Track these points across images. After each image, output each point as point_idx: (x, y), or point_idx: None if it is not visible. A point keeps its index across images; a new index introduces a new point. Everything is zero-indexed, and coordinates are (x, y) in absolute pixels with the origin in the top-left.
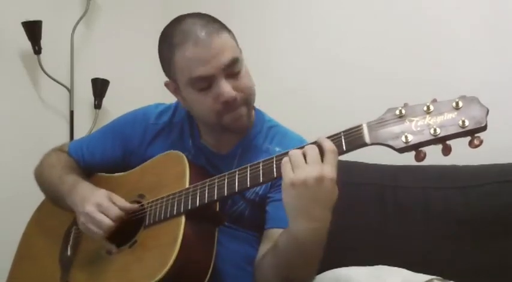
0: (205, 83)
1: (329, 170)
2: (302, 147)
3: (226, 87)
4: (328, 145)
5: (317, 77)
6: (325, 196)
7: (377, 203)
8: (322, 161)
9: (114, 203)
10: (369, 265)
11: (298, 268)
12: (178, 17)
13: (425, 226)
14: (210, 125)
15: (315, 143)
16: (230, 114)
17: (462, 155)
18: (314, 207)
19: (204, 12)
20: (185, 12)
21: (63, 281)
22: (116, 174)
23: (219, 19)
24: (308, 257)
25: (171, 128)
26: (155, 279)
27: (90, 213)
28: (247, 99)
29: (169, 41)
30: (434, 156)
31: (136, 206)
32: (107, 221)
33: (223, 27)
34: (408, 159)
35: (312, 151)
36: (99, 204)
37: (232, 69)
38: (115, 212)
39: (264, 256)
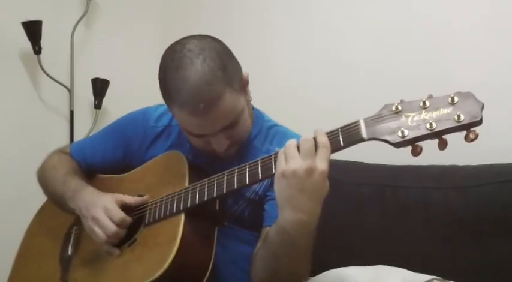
0: (199, 136)
1: (320, 163)
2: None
3: (218, 145)
4: (323, 140)
5: (316, 76)
6: (314, 188)
7: (377, 203)
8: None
9: (123, 204)
10: (369, 265)
11: (286, 260)
12: (179, 54)
13: (425, 226)
14: None
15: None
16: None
17: (462, 155)
18: (301, 197)
19: (204, 13)
20: (185, 13)
21: (63, 280)
22: (117, 175)
23: (219, 18)
24: (295, 250)
25: (170, 131)
26: (154, 277)
27: (98, 217)
28: (238, 144)
29: (166, 85)
30: (434, 156)
31: (139, 199)
32: (112, 226)
33: (224, 85)
34: (408, 159)
35: (306, 144)
36: (106, 208)
37: (229, 127)
38: (120, 216)
39: (256, 251)
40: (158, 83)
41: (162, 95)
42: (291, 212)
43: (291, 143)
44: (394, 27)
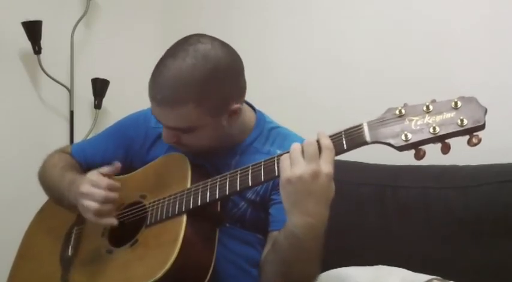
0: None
1: (325, 166)
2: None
3: (164, 136)
4: (326, 142)
5: (317, 76)
6: (320, 191)
7: (377, 203)
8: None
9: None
10: (369, 265)
11: (296, 264)
12: (174, 48)
13: (425, 226)
14: None
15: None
16: None
17: (462, 155)
18: (309, 202)
19: (204, 13)
20: (185, 13)
21: (64, 280)
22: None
23: (219, 18)
24: (305, 253)
25: None
26: (155, 278)
27: (84, 191)
28: (189, 148)
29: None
30: (434, 156)
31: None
32: (100, 192)
33: (191, 97)
34: (408, 159)
35: (310, 147)
36: (91, 180)
37: (178, 130)
38: (105, 181)
39: (266, 255)
40: (158, 57)
41: None
42: (299, 216)
43: (296, 147)
44: (394, 27)
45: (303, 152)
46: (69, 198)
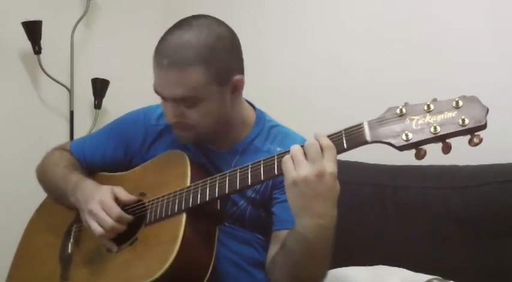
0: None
1: (329, 165)
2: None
3: (165, 112)
4: (326, 142)
5: (316, 76)
6: (327, 191)
7: (377, 203)
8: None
9: (116, 199)
10: (369, 265)
11: (308, 266)
12: (177, 23)
13: (425, 226)
14: None
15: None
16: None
17: (462, 155)
18: (317, 203)
19: (203, 13)
20: (185, 13)
21: (63, 279)
22: (118, 173)
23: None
24: (316, 255)
25: (172, 129)
26: (155, 277)
27: (94, 211)
28: (190, 129)
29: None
30: (434, 156)
31: (133, 198)
32: (109, 221)
33: (198, 60)
34: (408, 159)
35: (312, 148)
36: (102, 201)
37: (182, 102)
38: (117, 211)
39: (274, 257)
40: None
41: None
42: (309, 219)
43: (296, 149)
44: (395, 27)
45: (304, 153)
46: (70, 200)
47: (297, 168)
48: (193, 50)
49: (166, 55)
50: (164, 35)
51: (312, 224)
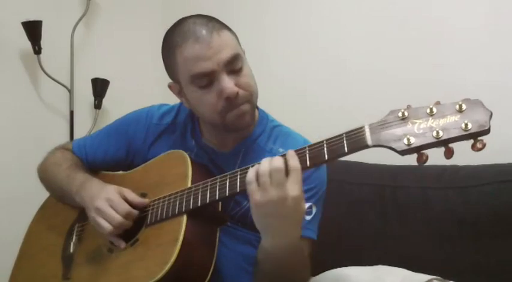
0: (207, 80)
1: (292, 189)
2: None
3: (228, 83)
4: (293, 164)
5: (318, 77)
6: (290, 214)
7: (377, 203)
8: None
9: (125, 198)
10: (369, 265)
11: (281, 277)
12: (180, 20)
13: (425, 226)
14: (214, 124)
15: (283, 156)
16: (233, 112)
17: (462, 155)
18: (279, 224)
19: (203, 12)
20: (184, 13)
21: (65, 278)
22: (119, 172)
23: (219, 18)
24: (285, 268)
25: (174, 129)
26: (156, 278)
27: (101, 208)
28: (249, 97)
29: (171, 42)
30: (434, 156)
31: (146, 200)
32: (117, 217)
33: (223, 26)
34: (408, 159)
35: (277, 174)
36: (110, 199)
37: (233, 66)
38: (125, 208)
39: (255, 264)
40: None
41: (165, 57)
42: (272, 237)
43: (264, 170)
44: (396, 28)
45: (270, 175)
46: (75, 199)
47: (260, 191)
48: (215, 20)
49: (199, 29)
50: (178, 25)
51: (275, 242)
